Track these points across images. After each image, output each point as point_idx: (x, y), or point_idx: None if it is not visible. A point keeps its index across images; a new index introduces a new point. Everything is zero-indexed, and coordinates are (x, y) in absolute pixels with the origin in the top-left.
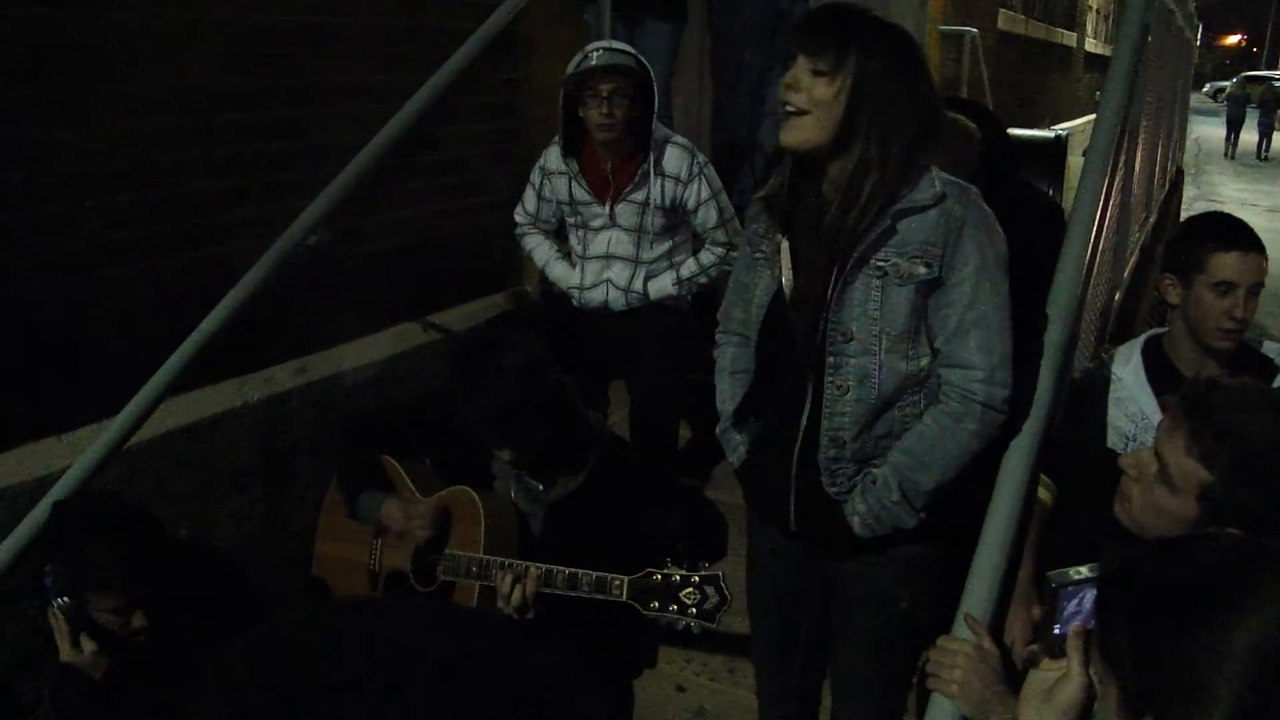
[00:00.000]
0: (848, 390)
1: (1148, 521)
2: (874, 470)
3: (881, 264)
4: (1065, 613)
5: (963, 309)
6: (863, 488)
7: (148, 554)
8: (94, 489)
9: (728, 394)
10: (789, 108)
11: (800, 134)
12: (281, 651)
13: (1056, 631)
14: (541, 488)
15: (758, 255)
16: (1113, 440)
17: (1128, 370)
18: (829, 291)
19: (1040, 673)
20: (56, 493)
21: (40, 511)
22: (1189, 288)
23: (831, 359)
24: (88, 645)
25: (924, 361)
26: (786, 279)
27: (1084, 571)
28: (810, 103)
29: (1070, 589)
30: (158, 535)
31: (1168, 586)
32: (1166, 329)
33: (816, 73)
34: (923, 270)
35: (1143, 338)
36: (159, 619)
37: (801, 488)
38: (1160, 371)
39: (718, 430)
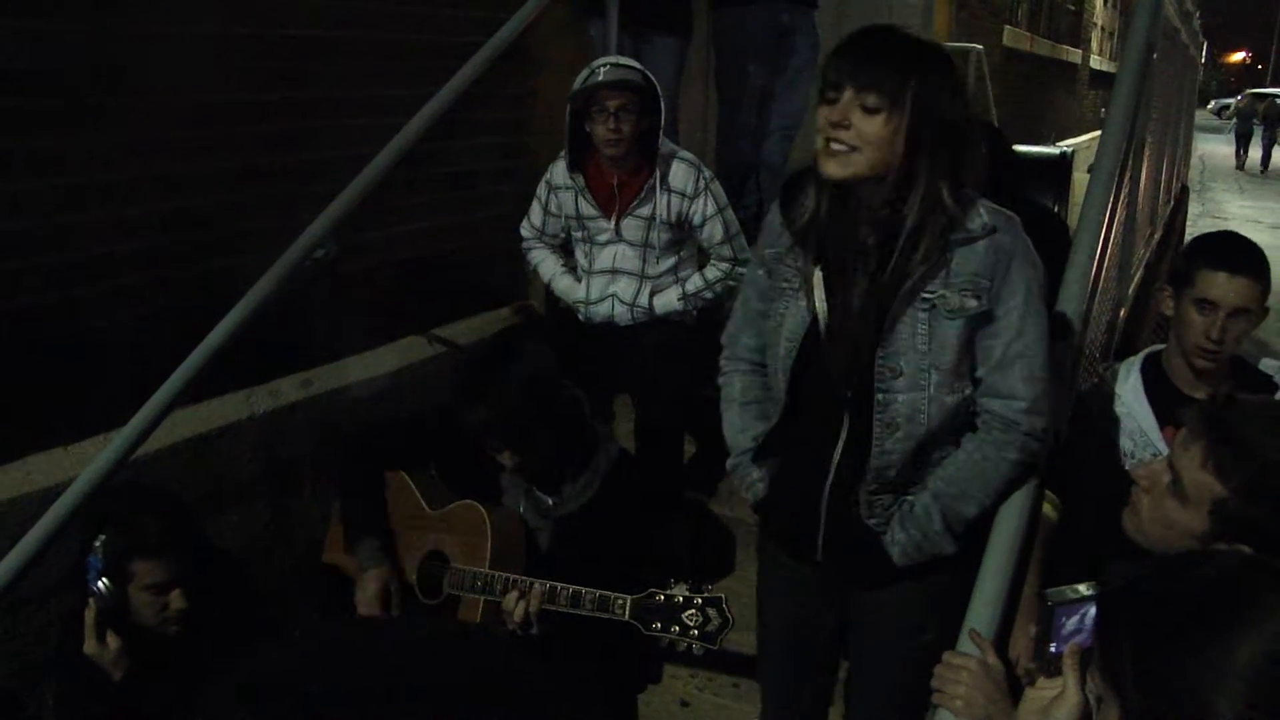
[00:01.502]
0: (897, 427)
1: (1156, 534)
2: (910, 499)
3: (929, 296)
4: (1062, 631)
5: (1008, 340)
6: (900, 517)
7: (191, 530)
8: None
9: (738, 426)
10: (836, 146)
11: (848, 169)
12: (273, 686)
13: (1053, 650)
14: (550, 502)
15: (782, 284)
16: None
17: (1127, 387)
18: (877, 327)
19: (1037, 691)
20: (63, 504)
21: (48, 520)
22: (1178, 301)
23: (880, 396)
24: (113, 641)
25: (967, 392)
26: (822, 311)
27: (1081, 590)
28: (861, 140)
29: (1068, 607)
30: (193, 521)
31: (1169, 603)
32: (1165, 345)
33: (868, 109)
34: (973, 304)
35: (1143, 354)
36: (193, 605)
37: (833, 520)
38: (1158, 388)
39: (729, 464)
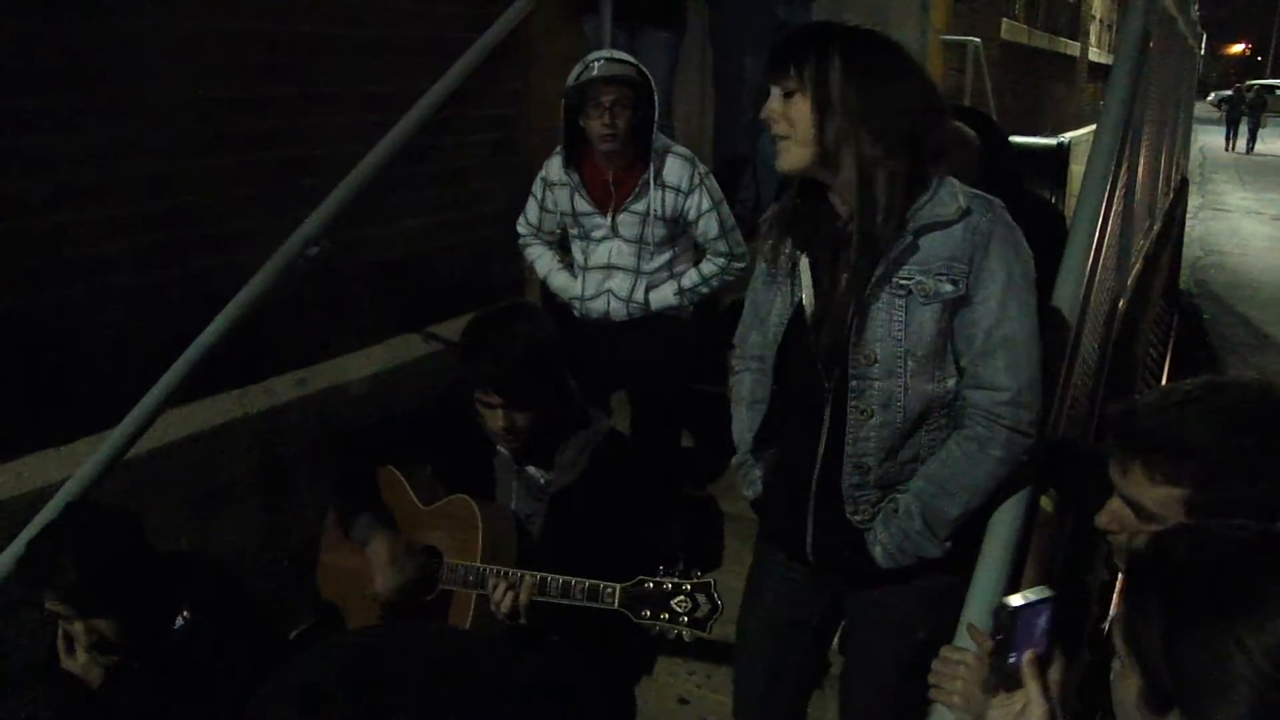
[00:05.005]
0: (871, 414)
1: None
2: (897, 497)
3: (905, 282)
4: (1018, 640)
5: (989, 327)
6: (884, 516)
7: (102, 563)
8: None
9: (746, 425)
10: (777, 137)
11: (789, 158)
12: (328, 693)
13: (1011, 661)
14: (543, 480)
15: (774, 271)
16: None
17: None
18: (850, 312)
19: (1001, 709)
20: (55, 505)
21: (41, 522)
22: None
23: (854, 382)
24: (81, 654)
25: (950, 382)
26: (807, 298)
27: (1032, 594)
28: (791, 128)
29: (1023, 614)
30: (122, 545)
31: (1204, 576)
32: None
33: (786, 95)
34: (948, 288)
35: None
36: (125, 631)
37: (820, 517)
38: None
39: (735, 462)
